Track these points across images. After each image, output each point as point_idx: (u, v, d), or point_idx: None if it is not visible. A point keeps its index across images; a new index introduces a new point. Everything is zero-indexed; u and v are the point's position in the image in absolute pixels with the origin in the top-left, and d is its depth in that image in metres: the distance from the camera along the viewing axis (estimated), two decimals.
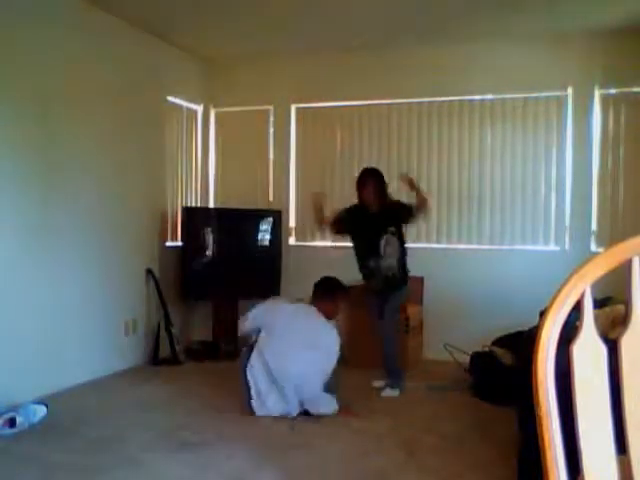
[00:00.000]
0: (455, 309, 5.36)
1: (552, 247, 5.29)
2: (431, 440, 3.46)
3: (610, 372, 0.97)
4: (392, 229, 4.37)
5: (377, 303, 4.46)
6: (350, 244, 4.61)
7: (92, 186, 4.72)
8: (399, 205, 4.45)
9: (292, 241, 6.00)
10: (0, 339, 3.88)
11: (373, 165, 5.82)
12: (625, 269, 0.99)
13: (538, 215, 5.36)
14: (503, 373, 4.11)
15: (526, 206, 5.37)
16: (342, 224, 4.58)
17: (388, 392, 4.38)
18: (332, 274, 5.71)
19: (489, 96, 5.45)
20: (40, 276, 4.24)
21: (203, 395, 4.23)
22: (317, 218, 4.61)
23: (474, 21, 4.88)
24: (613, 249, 0.99)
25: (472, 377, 4.52)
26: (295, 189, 6.02)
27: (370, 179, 4.43)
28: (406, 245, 4.50)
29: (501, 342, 4.51)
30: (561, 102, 5.30)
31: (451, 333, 5.24)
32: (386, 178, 4.48)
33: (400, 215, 4.41)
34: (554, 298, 0.97)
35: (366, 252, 4.45)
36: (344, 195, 5.88)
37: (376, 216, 4.42)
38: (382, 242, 4.37)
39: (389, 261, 4.38)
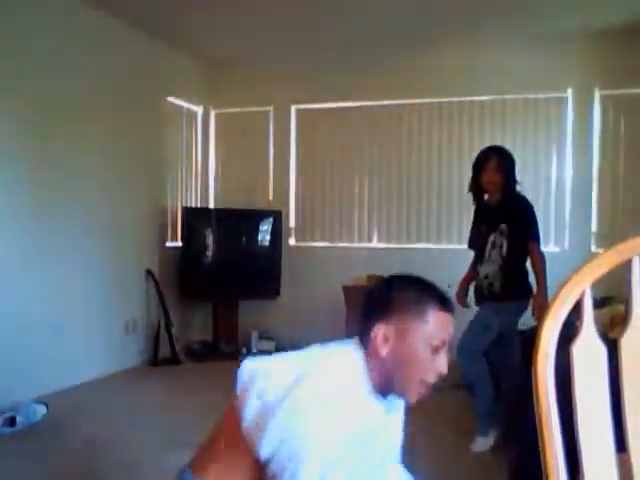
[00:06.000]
0: (455, 309, 5.34)
1: (552, 247, 5.28)
2: (430, 438, 3.46)
3: (610, 372, 0.97)
4: (503, 227, 3.46)
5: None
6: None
7: (92, 186, 4.72)
8: (524, 208, 3.54)
9: (292, 241, 6.00)
10: (0, 339, 3.88)
11: (375, 165, 5.87)
12: (625, 269, 0.99)
13: (538, 215, 5.34)
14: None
15: None
16: (470, 233, 3.83)
17: (479, 444, 3.39)
18: (332, 274, 5.74)
19: (489, 97, 5.45)
20: (40, 276, 4.24)
21: (203, 395, 4.24)
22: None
23: (474, 22, 4.88)
24: (613, 250, 0.99)
25: None
26: (295, 189, 6.02)
27: (494, 155, 3.55)
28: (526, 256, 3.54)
29: None
30: (561, 103, 5.31)
31: None
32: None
33: (517, 216, 3.50)
34: (554, 298, 0.97)
35: (477, 256, 3.66)
36: (344, 195, 5.90)
37: (492, 208, 3.58)
38: (488, 244, 3.52)
39: (489, 268, 3.51)
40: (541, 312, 3.31)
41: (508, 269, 3.45)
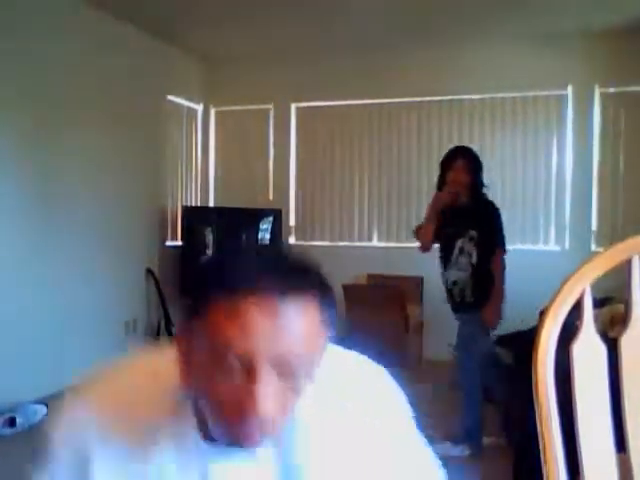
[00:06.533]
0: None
1: (552, 247, 5.29)
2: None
3: (610, 371, 0.97)
4: (473, 233, 3.38)
5: (458, 326, 3.60)
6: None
7: (92, 186, 4.71)
8: (492, 213, 3.47)
9: (292, 240, 6.00)
10: (0, 339, 3.88)
11: (375, 163, 5.87)
12: (625, 269, 0.99)
13: (538, 215, 5.36)
14: (503, 372, 4.11)
15: (526, 206, 5.37)
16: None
17: (448, 449, 3.20)
18: (331, 273, 5.72)
19: (490, 95, 5.45)
20: (40, 276, 4.24)
21: None
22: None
23: (474, 20, 4.88)
24: (613, 249, 0.99)
25: None
26: (295, 188, 6.02)
27: (462, 155, 3.48)
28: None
29: (501, 341, 4.51)
30: (561, 101, 5.30)
31: (451, 333, 5.22)
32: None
33: (487, 222, 3.42)
34: (554, 298, 0.97)
35: (442, 258, 3.55)
36: (344, 194, 5.90)
37: (460, 211, 3.45)
38: (455, 250, 3.43)
39: (457, 274, 3.44)
40: (494, 319, 3.36)
41: (480, 276, 3.40)
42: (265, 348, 0.74)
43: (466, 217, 3.45)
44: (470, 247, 3.40)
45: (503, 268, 3.44)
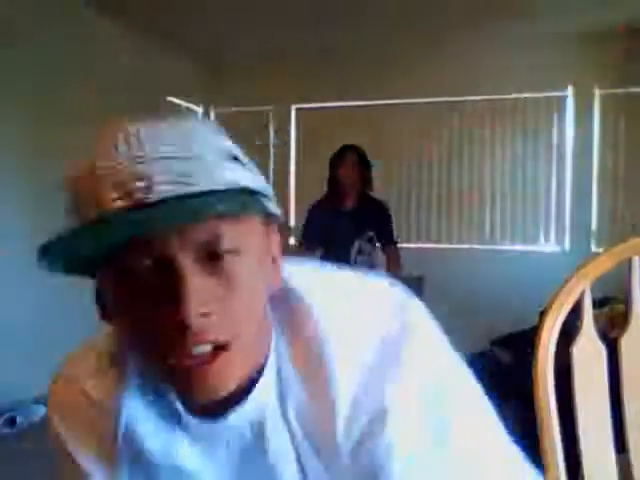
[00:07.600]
0: (454, 309, 5.32)
1: (552, 247, 5.29)
2: None
3: (610, 372, 0.97)
4: (371, 234, 3.42)
5: None
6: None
7: None
8: (385, 208, 3.55)
9: (292, 241, 5.99)
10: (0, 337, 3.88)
11: (374, 163, 5.85)
12: (625, 269, 0.99)
13: (538, 215, 5.36)
14: (502, 373, 4.11)
15: (526, 206, 5.37)
16: (313, 233, 3.52)
17: None
18: None
19: (489, 96, 5.45)
20: (41, 276, 4.22)
21: None
22: None
23: (474, 21, 4.87)
24: (613, 249, 0.99)
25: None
26: (295, 189, 6.02)
27: (351, 155, 3.54)
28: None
29: (501, 342, 4.52)
30: (561, 102, 5.31)
31: (450, 333, 5.22)
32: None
33: (383, 221, 3.48)
34: (554, 298, 0.97)
35: (336, 259, 3.60)
36: None
37: (351, 213, 3.47)
38: (353, 250, 3.39)
39: None
40: None
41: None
42: (176, 241, 0.60)
43: (360, 217, 3.46)
44: (369, 247, 3.43)
45: (401, 265, 3.43)
